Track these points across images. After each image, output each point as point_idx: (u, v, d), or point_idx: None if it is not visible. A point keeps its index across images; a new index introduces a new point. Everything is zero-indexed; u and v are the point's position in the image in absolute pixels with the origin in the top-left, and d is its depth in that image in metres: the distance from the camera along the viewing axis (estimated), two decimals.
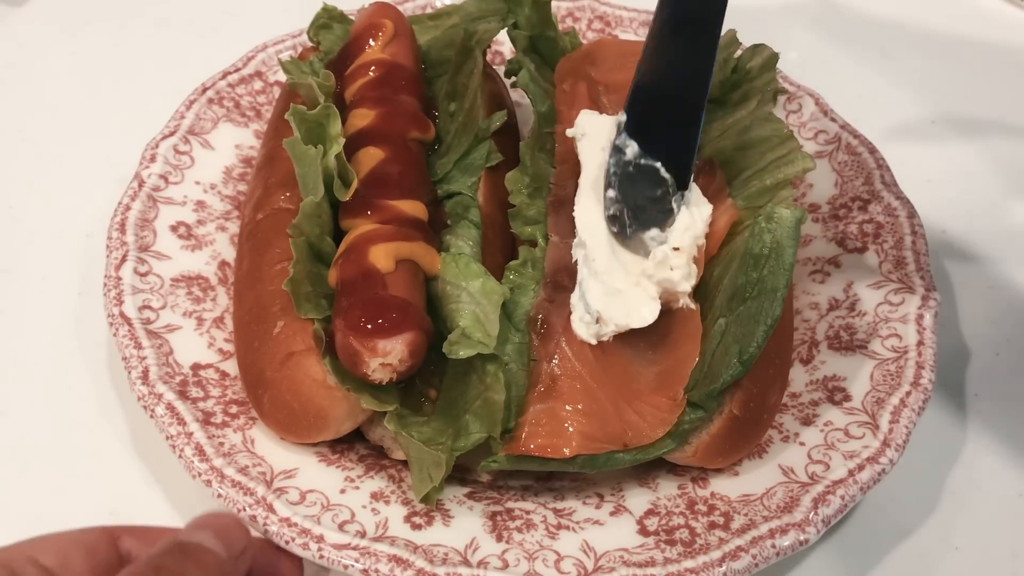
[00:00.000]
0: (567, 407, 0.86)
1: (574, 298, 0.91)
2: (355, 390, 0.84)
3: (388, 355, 0.82)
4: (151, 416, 0.87)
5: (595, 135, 1.01)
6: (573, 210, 0.97)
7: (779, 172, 0.98)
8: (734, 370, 0.86)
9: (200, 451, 0.84)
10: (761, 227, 0.89)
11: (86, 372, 1.02)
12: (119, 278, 0.96)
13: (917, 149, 1.25)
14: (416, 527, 0.84)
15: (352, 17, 1.16)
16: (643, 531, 0.85)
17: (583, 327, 0.90)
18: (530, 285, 0.93)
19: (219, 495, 0.82)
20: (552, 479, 0.92)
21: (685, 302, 0.92)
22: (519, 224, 0.98)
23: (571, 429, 0.85)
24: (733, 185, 1.01)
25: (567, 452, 0.84)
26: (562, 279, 0.94)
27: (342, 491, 0.86)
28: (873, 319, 0.99)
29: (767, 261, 0.88)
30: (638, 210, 0.95)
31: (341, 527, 0.81)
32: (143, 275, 0.98)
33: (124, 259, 0.98)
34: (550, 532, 0.85)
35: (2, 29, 1.40)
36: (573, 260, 0.95)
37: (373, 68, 1.05)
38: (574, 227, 0.96)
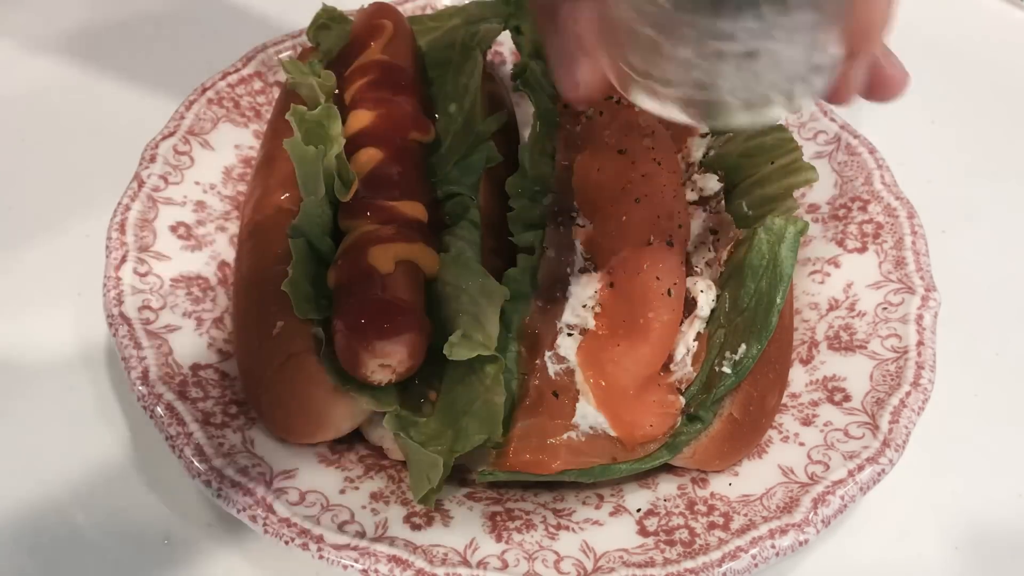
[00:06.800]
0: (555, 421, 0.86)
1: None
2: (354, 391, 0.85)
3: (387, 357, 0.82)
4: (151, 416, 0.87)
5: None
6: (572, 224, 0.97)
7: (782, 182, 0.98)
8: (727, 380, 0.87)
9: (200, 451, 0.84)
10: (760, 238, 0.89)
11: (86, 372, 1.02)
12: (119, 278, 0.96)
13: (917, 149, 1.25)
14: (416, 527, 0.84)
15: (351, 17, 1.16)
16: (643, 531, 0.85)
17: (569, 343, 0.89)
18: (527, 294, 0.93)
19: (219, 495, 0.82)
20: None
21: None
22: (519, 228, 0.97)
23: (558, 444, 0.85)
24: (735, 191, 1.01)
25: (554, 468, 0.84)
26: (554, 293, 0.93)
27: (342, 491, 0.86)
28: (873, 319, 0.99)
29: (765, 272, 0.89)
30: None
31: (341, 527, 0.81)
32: (143, 275, 0.98)
33: (124, 259, 0.98)
34: (550, 532, 0.85)
35: (2, 29, 1.40)
36: (567, 273, 0.94)
37: (372, 69, 1.05)
38: (571, 242, 0.96)
